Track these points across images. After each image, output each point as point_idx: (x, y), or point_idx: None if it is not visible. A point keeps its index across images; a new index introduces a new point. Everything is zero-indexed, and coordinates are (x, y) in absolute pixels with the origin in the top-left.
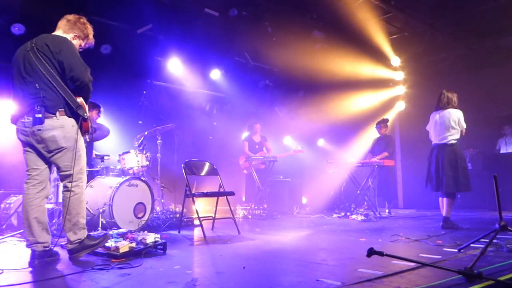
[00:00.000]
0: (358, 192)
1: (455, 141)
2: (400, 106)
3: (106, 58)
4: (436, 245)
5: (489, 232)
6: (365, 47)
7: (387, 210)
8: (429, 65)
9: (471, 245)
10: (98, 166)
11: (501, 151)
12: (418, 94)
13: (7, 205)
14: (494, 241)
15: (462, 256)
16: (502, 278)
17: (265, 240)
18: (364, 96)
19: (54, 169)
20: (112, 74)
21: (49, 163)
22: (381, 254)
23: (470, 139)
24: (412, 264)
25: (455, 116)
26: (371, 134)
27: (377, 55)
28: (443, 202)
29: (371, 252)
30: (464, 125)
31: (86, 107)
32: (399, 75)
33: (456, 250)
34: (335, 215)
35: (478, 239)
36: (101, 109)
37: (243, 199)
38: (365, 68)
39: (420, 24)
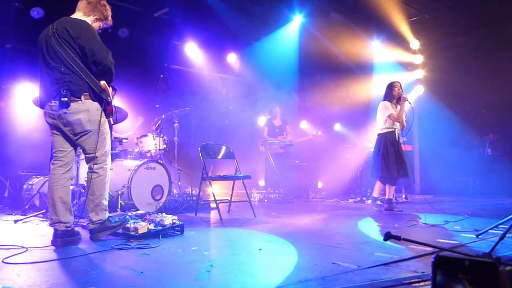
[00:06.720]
0: None
1: (382, 131)
2: (419, 90)
3: (123, 42)
4: (453, 231)
5: (509, 218)
6: (384, 30)
7: (403, 195)
8: (449, 48)
9: (490, 231)
10: (117, 149)
11: None
12: (438, 78)
13: (30, 186)
14: None
15: (480, 242)
16: None
17: (281, 223)
18: (382, 80)
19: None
20: (129, 57)
21: (75, 145)
22: (398, 238)
23: (491, 124)
24: (429, 249)
25: (378, 109)
26: None
27: (396, 38)
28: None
29: (388, 236)
30: (386, 113)
31: (110, 90)
32: (418, 59)
33: (474, 236)
34: (350, 200)
35: (497, 225)
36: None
37: (261, 183)
38: (384, 51)
39: (441, 6)
